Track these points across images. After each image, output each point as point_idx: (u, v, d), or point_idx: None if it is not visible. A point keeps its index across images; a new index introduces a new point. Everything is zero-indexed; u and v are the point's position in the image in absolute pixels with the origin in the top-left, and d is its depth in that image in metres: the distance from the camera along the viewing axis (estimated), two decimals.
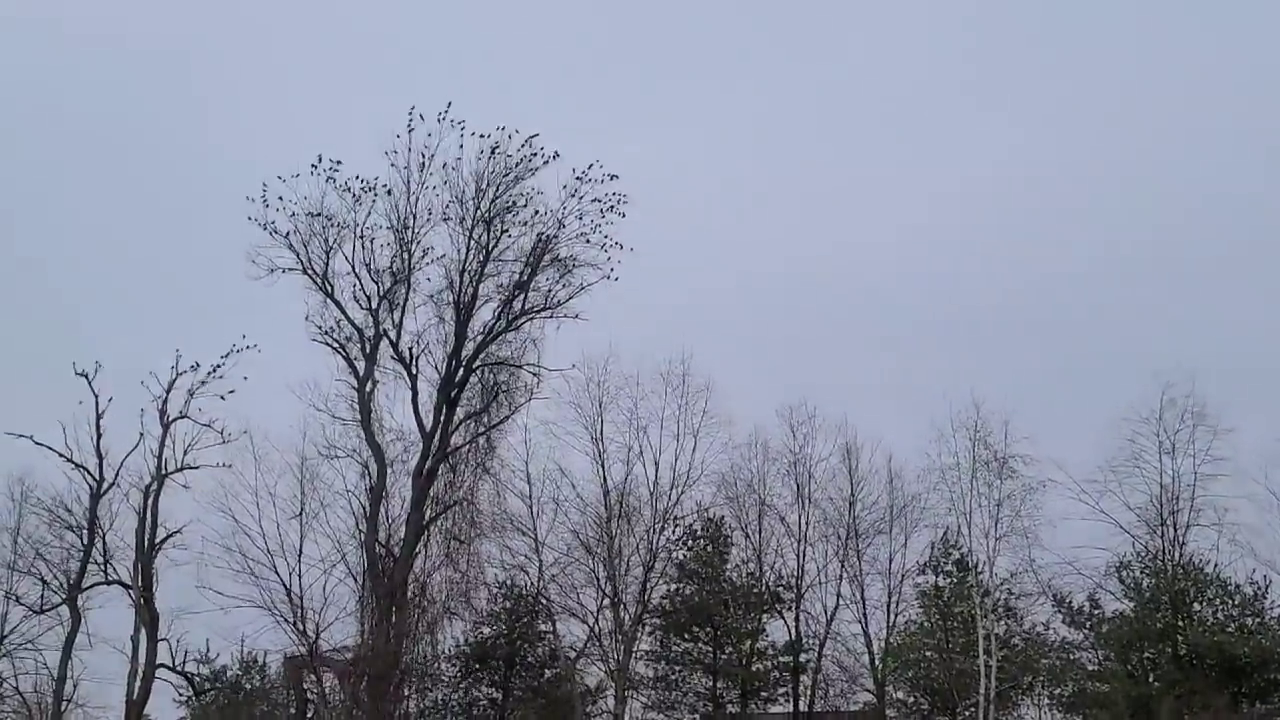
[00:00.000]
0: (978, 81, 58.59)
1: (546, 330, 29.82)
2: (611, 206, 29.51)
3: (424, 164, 29.11)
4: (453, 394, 29.55)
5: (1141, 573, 32.93)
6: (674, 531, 34.39)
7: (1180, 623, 31.90)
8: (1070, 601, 33.85)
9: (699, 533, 35.53)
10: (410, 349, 29.52)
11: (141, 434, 29.92)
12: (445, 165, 29.14)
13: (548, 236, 29.46)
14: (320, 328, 29.39)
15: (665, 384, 34.66)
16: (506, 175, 29.24)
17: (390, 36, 57.83)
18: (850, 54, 59.06)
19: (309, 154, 29.27)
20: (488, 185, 29.16)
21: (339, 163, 29.05)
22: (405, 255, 29.43)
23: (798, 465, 35.27)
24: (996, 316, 49.83)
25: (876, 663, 34.50)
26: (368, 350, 29.39)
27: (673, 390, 34.66)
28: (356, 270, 29.38)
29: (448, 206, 29.36)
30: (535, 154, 29.17)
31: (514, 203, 29.40)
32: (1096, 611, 33.81)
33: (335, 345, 29.57)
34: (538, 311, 29.76)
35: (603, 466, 33.82)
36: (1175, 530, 31.77)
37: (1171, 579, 32.04)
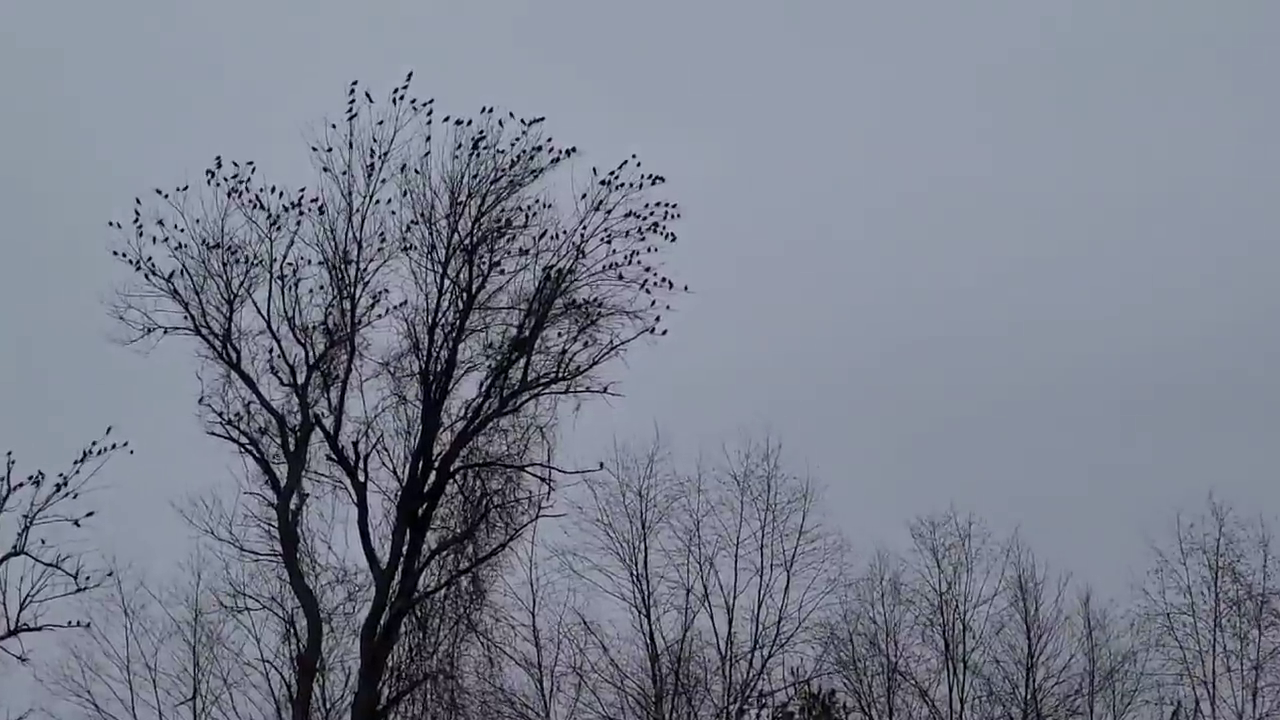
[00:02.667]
0: None
1: (561, 412, 28.71)
2: (655, 224, 28.13)
3: (373, 166, 27.75)
4: (420, 512, 28.11)
5: None
6: (760, 715, 34.70)
7: None
8: None
9: (797, 716, 35.13)
10: (356, 444, 28.11)
11: None
12: (405, 168, 27.79)
13: (560, 271, 28.16)
14: (220, 415, 28.14)
15: (741, 489, 36.04)
16: (497, 180, 27.83)
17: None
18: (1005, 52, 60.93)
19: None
20: (469, 196, 27.78)
21: (250, 167, 27.87)
22: (346, 304, 28.18)
23: (945, 611, 35.61)
24: (1241, 386, 49.73)
25: None
26: (292, 448, 28.11)
27: (753, 499, 36.04)
28: (274, 328, 28.09)
29: (409, 229, 27.99)
30: (539, 148, 27.83)
31: (509, 221, 28.02)
32: None
33: (244, 441, 28.32)
34: (547, 384, 28.46)
35: (648, 618, 34.55)
36: None
37: None
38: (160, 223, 27.58)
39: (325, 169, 27.69)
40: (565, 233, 28.01)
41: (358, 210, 27.81)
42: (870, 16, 63.88)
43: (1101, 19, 63.80)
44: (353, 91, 27.42)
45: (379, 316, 28.31)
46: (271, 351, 28.08)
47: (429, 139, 27.54)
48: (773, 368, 50.48)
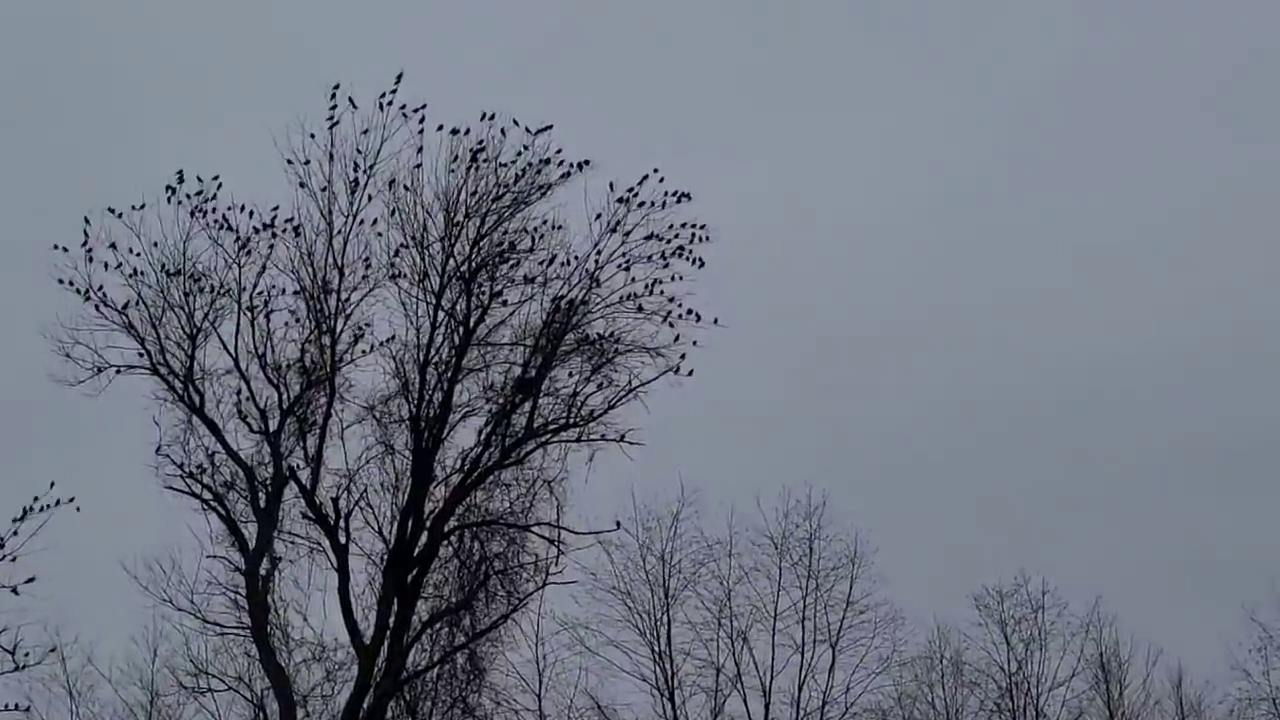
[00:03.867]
0: None
1: (572, 463, 28.52)
2: (680, 249, 28.10)
3: (356, 181, 27.73)
4: (410, 579, 27.99)
5: None
6: None
7: None
8: None
9: None
10: (336, 500, 28.01)
11: None
12: (394, 183, 27.75)
13: (572, 302, 28.17)
14: (181, 466, 27.98)
15: (779, 553, 36.99)
16: (499, 198, 27.79)
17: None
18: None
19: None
20: (467, 215, 27.73)
21: (217, 182, 27.87)
22: (326, 339, 28.15)
23: (1016, 695, 35.68)
24: None
25: None
26: (262, 504, 28.00)
27: (793, 565, 37.28)
28: (243, 367, 28.02)
29: (398, 253, 27.95)
30: (547, 161, 27.83)
31: (512, 244, 28.03)
32: None
33: (207, 496, 28.20)
34: (556, 431, 28.39)
35: (672, 701, 34.95)
36: None
37: None
38: (113, 246, 27.47)
39: (302, 184, 27.61)
40: (577, 258, 27.97)
41: (339, 232, 27.75)
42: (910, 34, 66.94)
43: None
44: (334, 96, 27.36)
45: (363, 354, 28.24)
46: (240, 394, 28.00)
47: (421, 150, 27.48)
48: (816, 415, 51.79)
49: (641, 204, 27.74)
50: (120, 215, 27.47)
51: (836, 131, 65.90)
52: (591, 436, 28.20)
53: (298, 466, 28.00)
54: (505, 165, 27.63)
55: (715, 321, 27.72)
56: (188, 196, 27.71)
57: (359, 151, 27.55)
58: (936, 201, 64.24)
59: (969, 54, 67.62)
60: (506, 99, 27.70)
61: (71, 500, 26.05)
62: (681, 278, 27.85)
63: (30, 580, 26.08)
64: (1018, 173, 66.82)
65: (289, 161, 27.49)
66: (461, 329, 27.90)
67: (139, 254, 27.55)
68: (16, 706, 28.01)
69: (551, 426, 28.28)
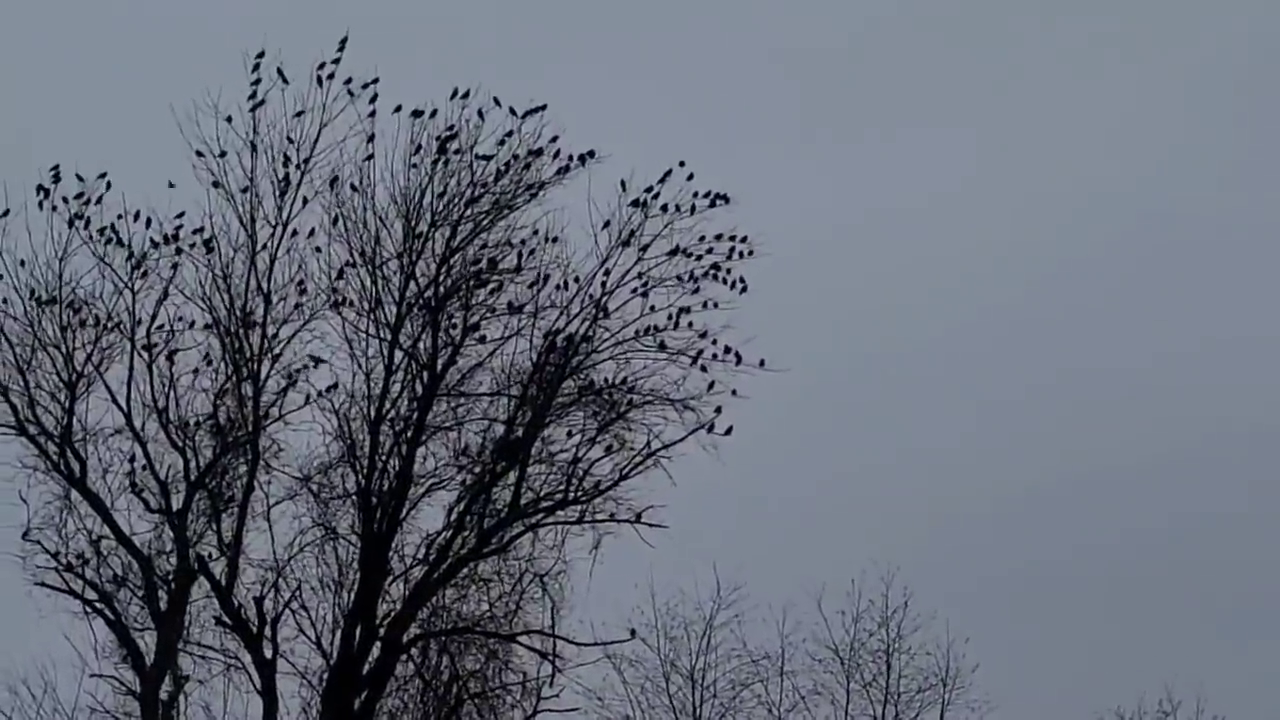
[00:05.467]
0: None
1: (572, 551, 28.35)
2: (715, 267, 27.90)
3: (287, 179, 27.43)
4: (358, 705, 27.49)
5: None
6: None
7: None
8: None
9: None
10: (260, 602, 27.66)
11: None
12: (337, 182, 27.46)
13: (572, 338, 27.97)
14: (56, 556, 27.68)
15: (846, 670, 36.80)
16: (475, 201, 27.58)
17: None
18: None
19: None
20: (433, 224, 27.54)
21: (105, 181, 27.51)
22: (247, 387, 27.92)
23: None
24: None
25: None
26: (163, 606, 27.66)
27: (864, 686, 36.96)
28: (137, 426, 27.75)
29: (342, 275, 27.79)
30: (538, 152, 27.65)
31: (493, 262, 27.90)
32: None
33: (91, 596, 27.76)
34: (551, 510, 28.25)
35: None
36: None
37: None
38: None
39: (216, 183, 27.30)
40: (578, 280, 27.73)
41: (265, 246, 27.49)
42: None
43: None
44: (257, 66, 26.97)
45: (296, 407, 28.07)
46: (133, 461, 27.69)
47: (372, 139, 27.17)
48: (898, 492, 50.77)
49: (664, 208, 27.56)
50: None
51: (948, 132, 64.19)
52: (598, 516, 27.90)
53: (209, 557, 27.68)
54: (483, 158, 27.43)
55: (762, 365, 27.49)
56: (65, 200, 27.48)
57: (290, 141, 27.22)
58: (1085, 223, 63.53)
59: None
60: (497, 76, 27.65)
61: None
62: (717, 305, 27.69)
63: None
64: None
65: (198, 154, 27.16)
66: (425, 374, 27.61)
67: (1, 276, 27.40)
68: None
69: (545, 504, 28.06)
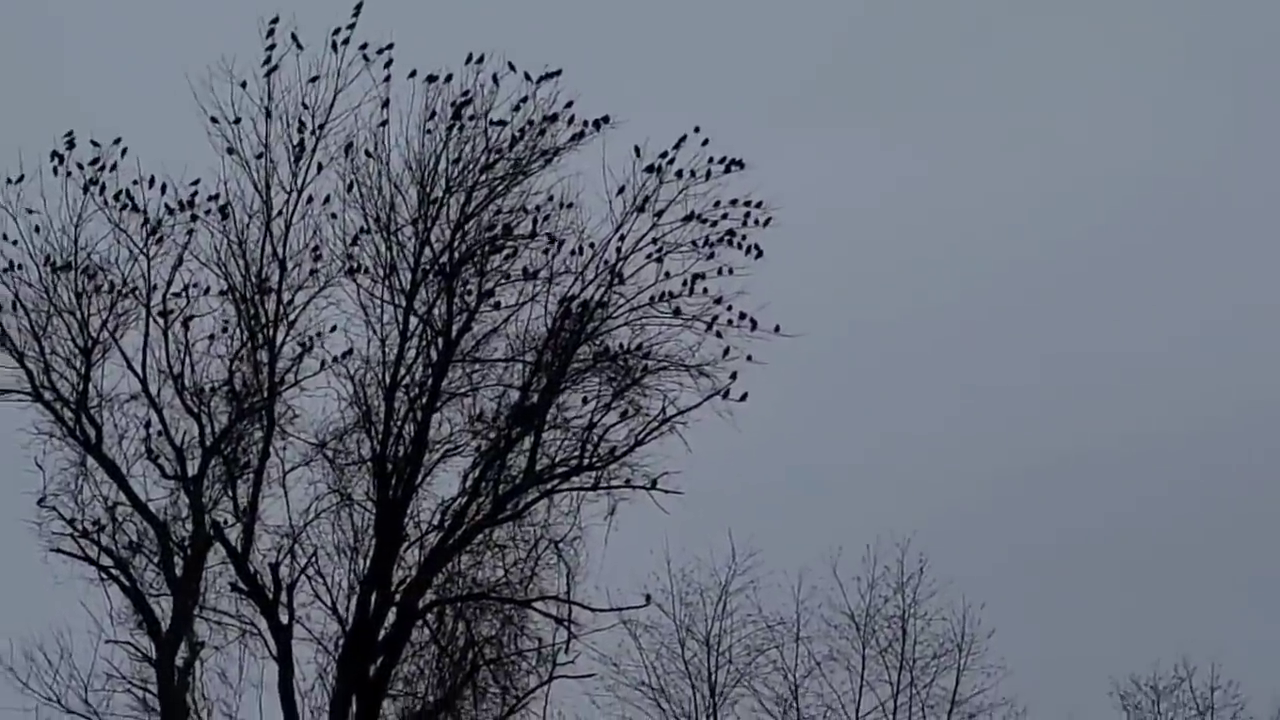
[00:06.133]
0: None
1: (587, 517, 28.33)
2: (731, 233, 27.93)
3: (302, 145, 27.48)
4: (374, 671, 27.65)
5: None
6: None
7: None
8: None
9: None
10: (275, 568, 27.75)
11: None
12: (352, 148, 27.51)
13: (587, 304, 28.03)
14: (71, 523, 27.72)
15: (862, 636, 37.05)
16: (490, 167, 27.62)
17: None
18: None
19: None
20: (448, 190, 27.61)
21: (120, 147, 27.51)
22: (263, 354, 27.99)
23: None
24: None
25: None
26: (179, 572, 27.79)
27: (879, 651, 37.14)
28: (153, 392, 27.86)
29: (357, 241, 27.88)
30: (553, 118, 27.63)
31: (508, 228, 27.97)
32: None
33: (106, 563, 27.79)
34: (566, 475, 28.34)
35: None
36: None
37: None
38: None
39: (230, 150, 27.28)
40: (593, 246, 27.73)
41: (279, 213, 27.50)
42: None
43: None
44: (272, 32, 26.94)
45: (311, 373, 28.04)
46: (149, 427, 27.76)
47: (387, 105, 27.13)
48: (913, 459, 51.24)
49: (679, 174, 27.56)
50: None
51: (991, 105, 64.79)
52: (613, 482, 27.91)
53: (225, 523, 27.72)
54: (498, 124, 27.41)
55: (777, 330, 27.49)
56: (80, 166, 27.47)
57: (305, 107, 27.20)
58: (1108, 202, 63.54)
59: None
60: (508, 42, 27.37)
61: None
62: (732, 271, 27.65)
63: None
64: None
65: (213, 120, 27.14)
66: (440, 340, 27.67)
67: (16, 242, 27.43)
68: None
69: (560, 469, 28.10)
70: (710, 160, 27.35)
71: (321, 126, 27.19)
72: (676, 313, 27.61)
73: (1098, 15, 62.70)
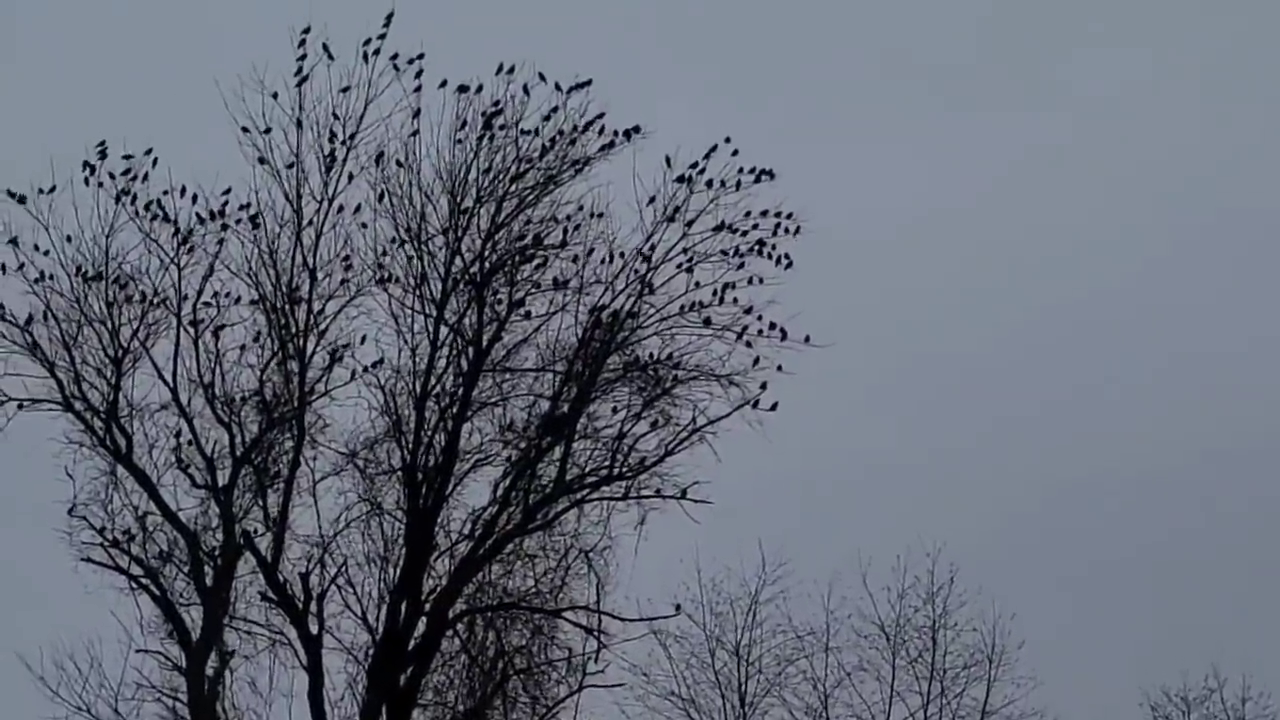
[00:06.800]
0: None
1: (617, 527, 28.33)
2: (760, 243, 27.93)
3: (333, 156, 27.54)
4: (404, 681, 27.56)
5: None
6: None
7: None
8: None
9: None
10: (305, 577, 27.71)
11: None
12: (383, 158, 27.55)
13: (617, 314, 28.01)
14: (102, 532, 27.66)
15: (892, 646, 37.10)
16: (520, 177, 27.66)
17: None
18: None
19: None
20: (479, 200, 27.63)
21: (151, 157, 27.54)
22: (293, 364, 27.99)
23: None
24: None
25: None
26: (209, 582, 27.76)
27: (910, 662, 37.25)
28: (183, 402, 27.83)
29: (387, 251, 27.93)
30: (584, 127, 27.60)
31: (538, 238, 27.92)
32: None
33: (136, 572, 27.75)
34: (596, 485, 28.28)
35: None
36: None
37: None
38: (13, 242, 27.39)
39: (262, 160, 27.27)
40: (623, 256, 27.65)
41: (310, 222, 27.50)
42: None
43: None
44: (303, 43, 26.96)
45: (342, 383, 28.02)
46: (179, 436, 27.72)
47: (418, 115, 27.12)
48: (944, 468, 51.08)
49: (709, 184, 27.59)
50: (22, 200, 27.23)
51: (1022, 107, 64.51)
52: (643, 492, 27.85)
53: (255, 532, 27.64)
54: (529, 133, 27.41)
55: (807, 340, 27.38)
56: (111, 176, 27.40)
57: (336, 117, 27.22)
58: (1137, 206, 63.19)
59: None
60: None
61: None
62: (762, 281, 27.62)
63: None
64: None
65: (244, 130, 27.16)
66: (471, 350, 27.61)
67: (47, 252, 27.37)
68: None
69: (590, 479, 27.97)
70: (740, 170, 27.35)
71: (352, 136, 27.19)
72: (707, 322, 27.53)
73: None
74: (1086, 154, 63.84)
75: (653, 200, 27.34)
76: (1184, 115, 64.21)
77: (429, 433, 27.56)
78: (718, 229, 27.47)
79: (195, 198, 27.38)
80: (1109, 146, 64.25)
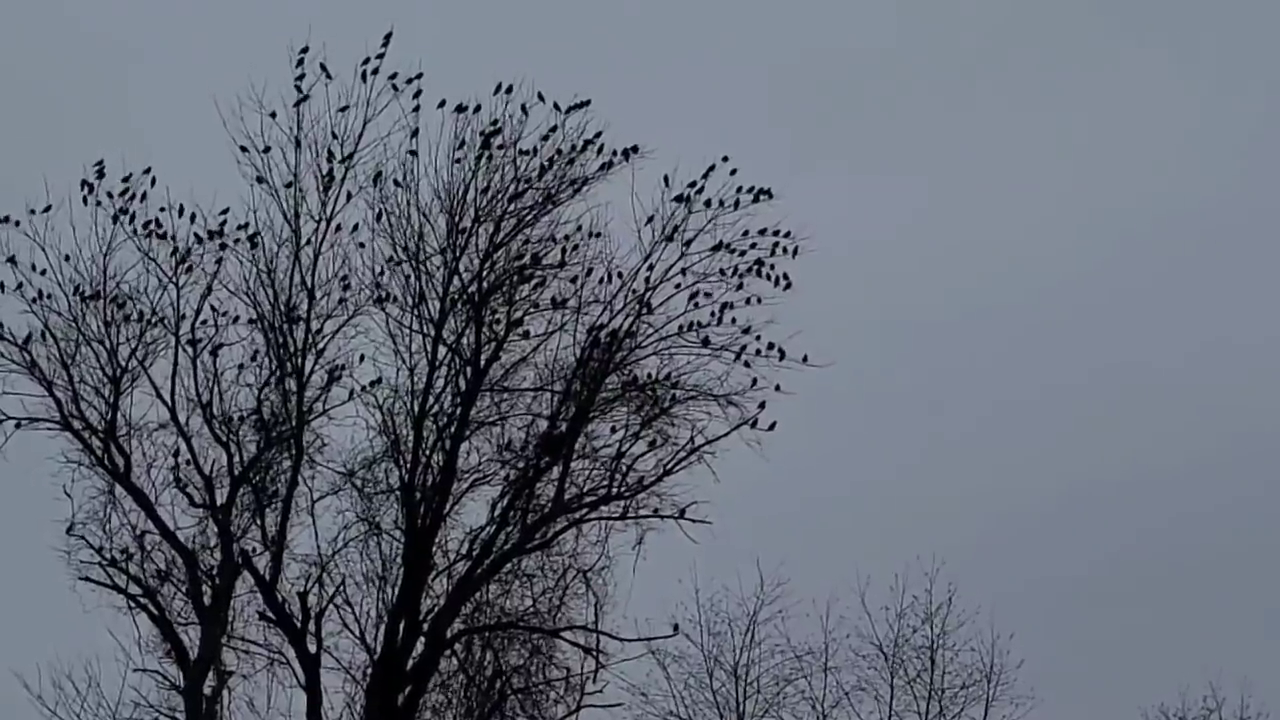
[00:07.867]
0: None
1: (615, 548, 28.35)
2: (759, 263, 27.89)
3: (331, 175, 27.61)
4: (402, 700, 27.38)
5: None
6: None
7: None
8: None
9: None
10: (304, 597, 27.62)
11: None
12: (380, 177, 27.61)
13: (615, 334, 27.90)
14: (100, 551, 27.71)
15: (890, 666, 36.67)
16: (519, 196, 27.62)
17: None
18: None
19: None
20: (477, 219, 27.57)
21: (149, 176, 27.63)
22: (291, 383, 27.96)
23: None
24: None
25: None
26: (207, 601, 27.63)
27: (908, 682, 36.85)
28: (182, 421, 27.84)
29: (385, 270, 27.91)
30: (582, 147, 27.54)
31: (536, 257, 27.85)
32: None
33: (135, 591, 27.74)
34: (594, 505, 28.22)
35: None
36: None
37: None
38: (11, 260, 27.31)
39: (260, 179, 27.38)
40: (622, 276, 27.63)
41: (309, 241, 27.56)
42: None
43: None
44: (301, 62, 27.05)
45: (340, 402, 27.98)
46: (178, 455, 27.75)
47: (416, 134, 27.22)
48: (941, 487, 50.24)
49: (707, 203, 27.56)
50: (16, 224, 27.29)
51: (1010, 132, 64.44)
52: (641, 512, 27.87)
53: (253, 551, 27.58)
54: (527, 153, 27.36)
55: (805, 360, 27.34)
56: (110, 195, 27.52)
57: (334, 136, 27.36)
58: (1129, 227, 62.67)
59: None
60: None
61: None
62: (760, 301, 27.60)
63: None
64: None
65: (243, 149, 27.30)
66: (469, 369, 27.55)
67: (44, 271, 27.38)
68: None
69: (588, 499, 27.95)
70: (738, 190, 27.32)
71: (350, 156, 27.23)
72: (705, 342, 27.49)
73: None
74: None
75: (651, 220, 27.34)
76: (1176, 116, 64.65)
77: (427, 452, 27.43)
78: (716, 249, 27.43)
79: (193, 217, 27.37)
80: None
